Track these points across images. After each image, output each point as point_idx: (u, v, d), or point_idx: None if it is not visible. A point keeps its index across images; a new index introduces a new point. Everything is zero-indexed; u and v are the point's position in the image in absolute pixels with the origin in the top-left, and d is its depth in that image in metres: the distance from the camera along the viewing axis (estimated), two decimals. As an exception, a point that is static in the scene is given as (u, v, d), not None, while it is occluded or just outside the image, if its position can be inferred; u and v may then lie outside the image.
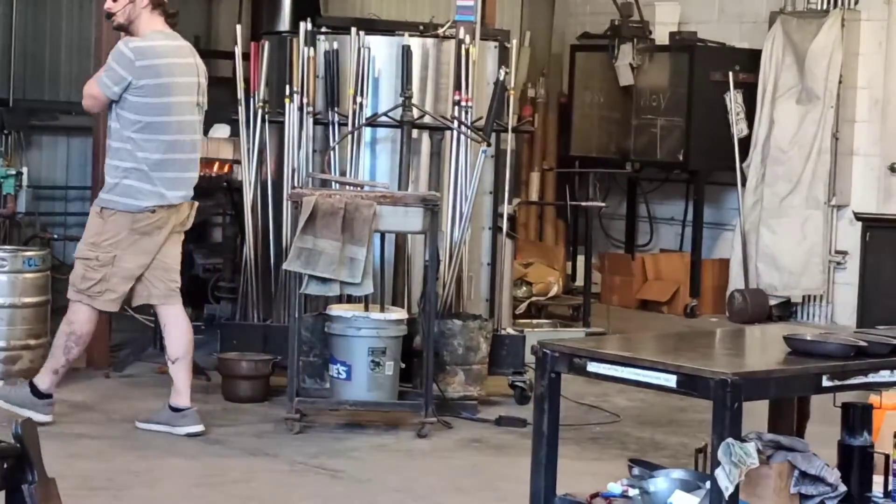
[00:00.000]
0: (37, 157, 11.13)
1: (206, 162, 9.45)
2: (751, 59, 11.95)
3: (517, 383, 8.11)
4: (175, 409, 7.10)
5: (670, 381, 4.50)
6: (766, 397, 5.00)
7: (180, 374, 7.13)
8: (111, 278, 7.00)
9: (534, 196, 12.51)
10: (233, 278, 9.72)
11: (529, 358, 7.47)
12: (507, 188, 8.53)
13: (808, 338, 4.94)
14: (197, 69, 7.16)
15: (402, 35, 8.30)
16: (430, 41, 8.39)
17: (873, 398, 5.60)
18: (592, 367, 4.72)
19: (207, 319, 9.76)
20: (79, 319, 7.04)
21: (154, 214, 7.02)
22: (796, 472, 4.97)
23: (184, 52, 7.13)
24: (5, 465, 3.50)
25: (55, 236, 10.56)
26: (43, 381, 7.07)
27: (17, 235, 9.91)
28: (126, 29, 7.06)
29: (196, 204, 7.28)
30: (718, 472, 4.32)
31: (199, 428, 7.09)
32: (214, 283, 10.25)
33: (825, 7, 11.77)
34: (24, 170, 9.47)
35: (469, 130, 8.20)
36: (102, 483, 6.24)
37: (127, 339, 9.10)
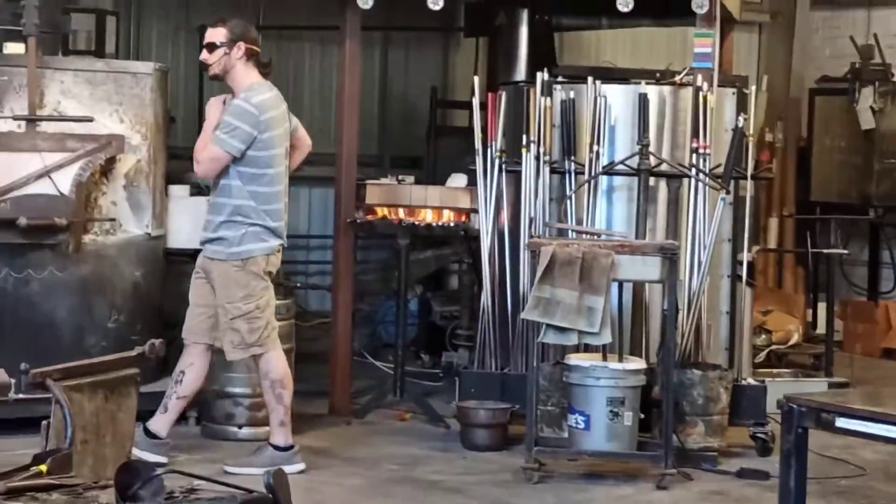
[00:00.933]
0: (279, 207, 11.40)
1: (444, 211, 9.56)
2: None
3: (759, 434, 7.96)
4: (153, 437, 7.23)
5: (923, 437, 4.37)
6: None
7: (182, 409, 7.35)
8: (270, 318, 7.20)
9: (772, 243, 12.31)
10: (470, 326, 9.80)
11: (771, 408, 7.36)
12: (745, 235, 8.41)
13: None
14: (287, 115, 7.30)
15: (639, 83, 8.28)
16: (666, 89, 8.34)
17: None
18: (841, 422, 4.61)
19: (445, 367, 9.84)
20: (270, 368, 7.21)
21: (278, 254, 7.24)
22: None
23: (279, 101, 7.24)
24: (258, 516, 3.58)
25: (298, 285, 10.80)
26: (277, 437, 7.24)
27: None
28: (222, 79, 7.19)
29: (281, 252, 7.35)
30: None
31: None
32: (452, 330, 10.35)
33: None
34: (269, 220, 9.67)
35: (707, 178, 8.12)
36: (345, 530, 6.34)
37: (367, 387, 9.23)
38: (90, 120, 7.96)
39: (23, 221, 7.62)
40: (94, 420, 4.94)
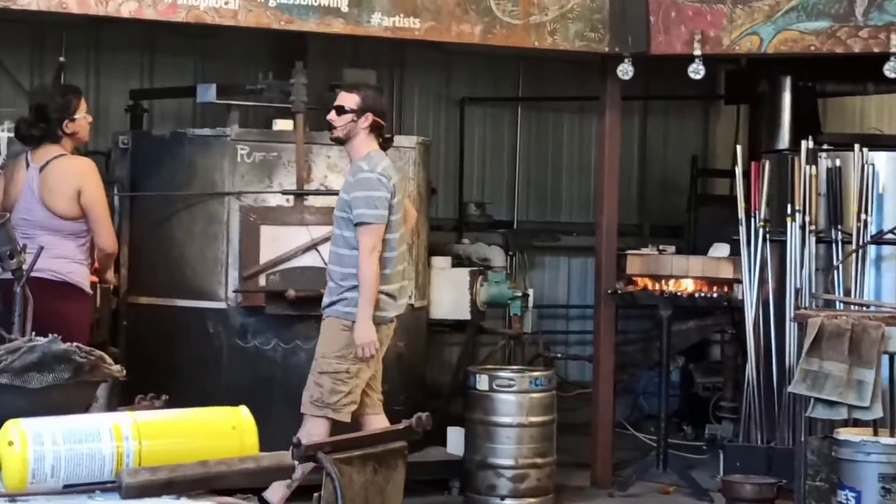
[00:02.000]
0: (539, 277, 11.44)
1: (705, 281, 9.46)
2: None
3: None
4: None
5: None
6: None
7: None
8: (355, 389, 6.99)
9: None
10: (734, 398, 9.64)
11: None
12: None
13: None
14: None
15: (908, 149, 8.09)
16: (937, 155, 8.13)
17: None
18: None
19: (709, 439, 9.69)
20: (318, 433, 6.84)
21: (392, 324, 7.05)
22: None
23: (395, 168, 7.15)
24: None
25: (558, 355, 10.79)
26: (274, 494, 6.94)
27: (520, 354, 10.20)
28: (341, 143, 7.15)
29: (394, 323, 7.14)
30: None
31: None
32: (715, 402, 10.20)
33: None
34: (531, 291, 9.72)
35: (982, 246, 7.86)
36: None
37: (629, 458, 9.15)
38: (356, 194, 8.13)
39: (291, 293, 7.81)
40: (364, 493, 4.98)
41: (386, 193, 6.93)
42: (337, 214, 7.09)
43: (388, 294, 6.99)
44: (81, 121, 7.06)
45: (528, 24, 8.27)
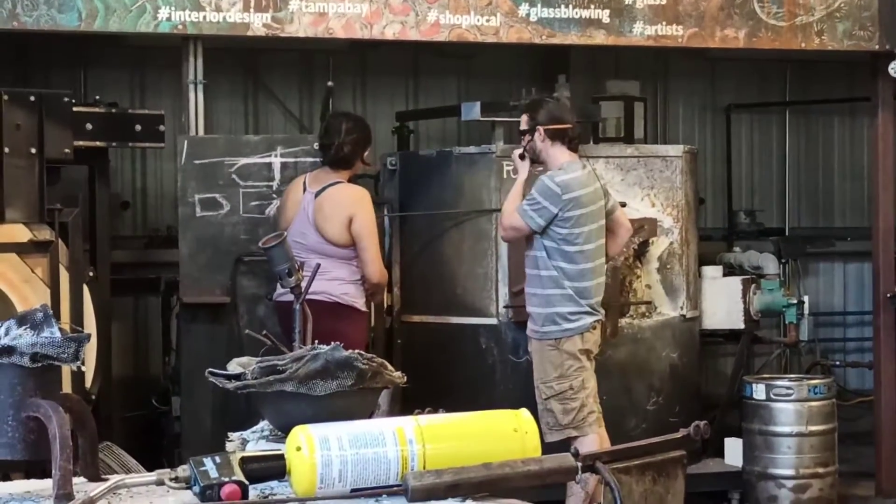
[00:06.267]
0: (814, 284, 11.19)
1: None
2: None
3: None
4: None
5: None
6: None
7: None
8: (587, 399, 6.89)
9: None
10: None
11: None
12: None
13: None
14: (602, 193, 7.02)
15: None
16: None
17: None
18: None
19: None
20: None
21: (595, 331, 6.94)
22: None
23: (592, 178, 7.00)
24: None
25: (837, 363, 10.53)
26: None
27: (797, 363, 9.96)
28: (537, 161, 7.06)
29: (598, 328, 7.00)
30: None
31: None
32: None
33: None
34: (805, 298, 9.50)
35: None
36: None
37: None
38: (623, 205, 8.06)
39: (562, 307, 7.79)
40: (643, 503, 4.93)
41: (551, 206, 6.88)
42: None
43: (580, 307, 6.92)
44: (368, 157, 7.37)
45: (793, 25, 8.10)
